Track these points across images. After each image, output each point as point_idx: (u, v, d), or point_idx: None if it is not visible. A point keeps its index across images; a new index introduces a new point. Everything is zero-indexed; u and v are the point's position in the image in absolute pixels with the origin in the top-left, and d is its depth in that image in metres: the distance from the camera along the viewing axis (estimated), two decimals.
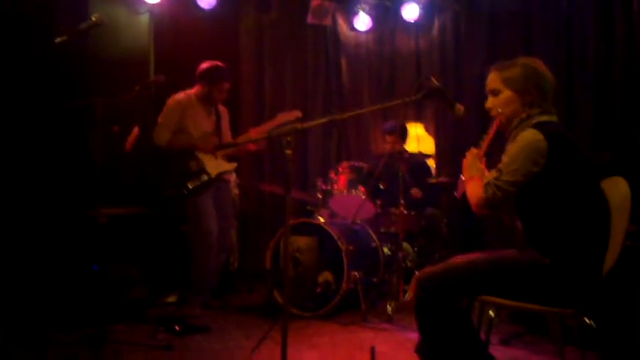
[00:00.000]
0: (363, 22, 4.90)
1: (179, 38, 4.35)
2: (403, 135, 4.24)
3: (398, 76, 4.98)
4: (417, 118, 4.91)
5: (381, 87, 5.01)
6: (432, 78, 2.15)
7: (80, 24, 2.48)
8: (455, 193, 2.19)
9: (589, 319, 1.90)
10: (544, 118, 1.97)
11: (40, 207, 3.18)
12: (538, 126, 1.92)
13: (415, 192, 4.05)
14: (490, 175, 1.97)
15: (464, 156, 2.13)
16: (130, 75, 3.79)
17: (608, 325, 2.30)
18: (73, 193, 3.34)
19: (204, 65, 3.48)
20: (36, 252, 3.06)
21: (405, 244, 3.78)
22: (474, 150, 2.11)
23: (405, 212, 3.60)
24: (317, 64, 4.97)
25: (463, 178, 2.13)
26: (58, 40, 2.40)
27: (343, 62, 5.01)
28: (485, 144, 2.11)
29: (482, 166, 2.07)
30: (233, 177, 3.75)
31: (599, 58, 3.87)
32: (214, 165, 3.46)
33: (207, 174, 3.40)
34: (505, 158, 1.94)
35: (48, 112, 3.20)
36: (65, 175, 3.36)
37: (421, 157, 3.91)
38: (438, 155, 4.62)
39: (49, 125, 3.23)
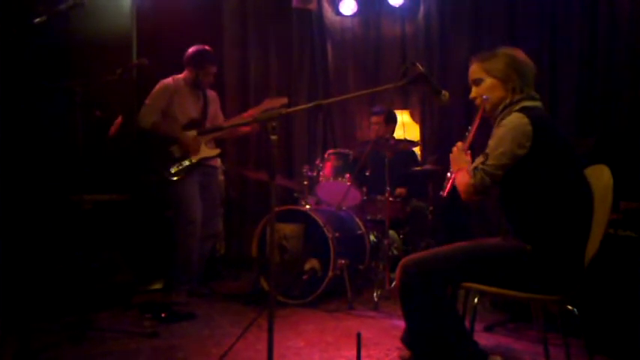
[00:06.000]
0: (348, 6, 4.87)
1: (162, 20, 4.25)
2: (390, 120, 4.23)
3: (383, 61, 4.96)
4: (404, 106, 4.90)
5: (366, 72, 4.98)
6: (418, 63, 2.15)
7: (60, 4, 2.41)
8: (441, 192, 2.20)
9: (572, 306, 1.92)
10: (528, 103, 2.00)
11: (23, 193, 3.12)
12: (523, 110, 1.95)
13: (400, 192, 4.04)
14: (477, 160, 1.99)
15: (450, 151, 2.16)
16: (112, 58, 3.70)
17: (591, 313, 2.34)
18: (56, 179, 3.28)
19: (191, 49, 3.50)
20: (19, 239, 3.01)
21: (391, 232, 3.79)
22: (459, 144, 2.16)
23: (391, 199, 3.60)
24: (302, 49, 4.92)
25: (451, 171, 2.15)
26: (37, 20, 2.33)
27: (328, 47, 4.96)
28: (470, 136, 2.14)
29: (469, 158, 2.11)
30: (218, 163, 3.72)
31: (583, 41, 3.89)
32: None
33: (189, 159, 3.39)
34: (491, 142, 1.97)
35: (27, 96, 3.13)
36: (48, 160, 3.30)
37: (407, 144, 3.91)
38: (424, 143, 4.63)
39: (29, 109, 3.15)
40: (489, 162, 1.93)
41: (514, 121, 1.92)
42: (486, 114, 2.09)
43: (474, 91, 2.11)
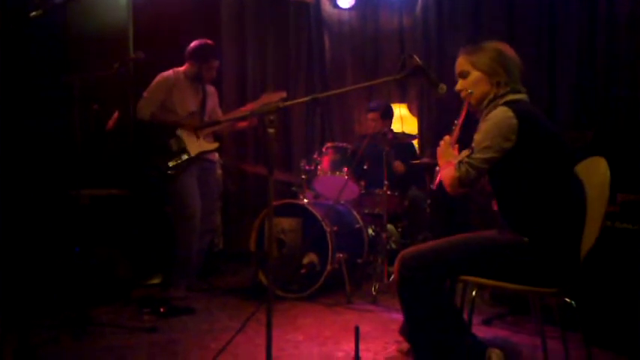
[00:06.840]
0: None
1: (159, 14, 4.23)
2: (386, 115, 4.22)
3: (381, 54, 4.93)
4: (401, 99, 4.89)
5: (364, 65, 4.97)
6: (415, 56, 2.15)
7: None
8: (431, 185, 2.21)
9: (569, 299, 1.92)
10: (513, 96, 2.01)
11: (20, 189, 3.11)
12: (508, 104, 1.96)
13: (398, 165, 4.05)
14: (463, 154, 2.00)
15: (438, 145, 2.17)
16: (109, 51, 3.69)
17: (589, 305, 2.35)
18: (54, 174, 3.27)
19: (194, 43, 3.47)
20: (17, 235, 3.00)
21: (389, 225, 3.80)
22: (447, 138, 2.17)
23: (389, 193, 3.61)
24: (299, 42, 4.90)
25: (439, 166, 2.15)
26: (33, 14, 2.32)
27: (326, 40, 4.94)
28: (456, 130, 2.14)
29: (455, 152, 2.12)
30: (216, 157, 3.71)
31: (583, 36, 3.88)
32: (196, 145, 3.43)
33: (188, 153, 3.38)
34: (477, 136, 1.98)
35: (24, 90, 3.11)
36: (45, 155, 3.29)
37: (405, 137, 3.91)
38: (421, 136, 4.62)
39: (26, 104, 3.14)
40: (475, 155, 1.94)
41: (499, 115, 1.93)
42: (471, 109, 2.11)
43: (460, 84, 2.12)
